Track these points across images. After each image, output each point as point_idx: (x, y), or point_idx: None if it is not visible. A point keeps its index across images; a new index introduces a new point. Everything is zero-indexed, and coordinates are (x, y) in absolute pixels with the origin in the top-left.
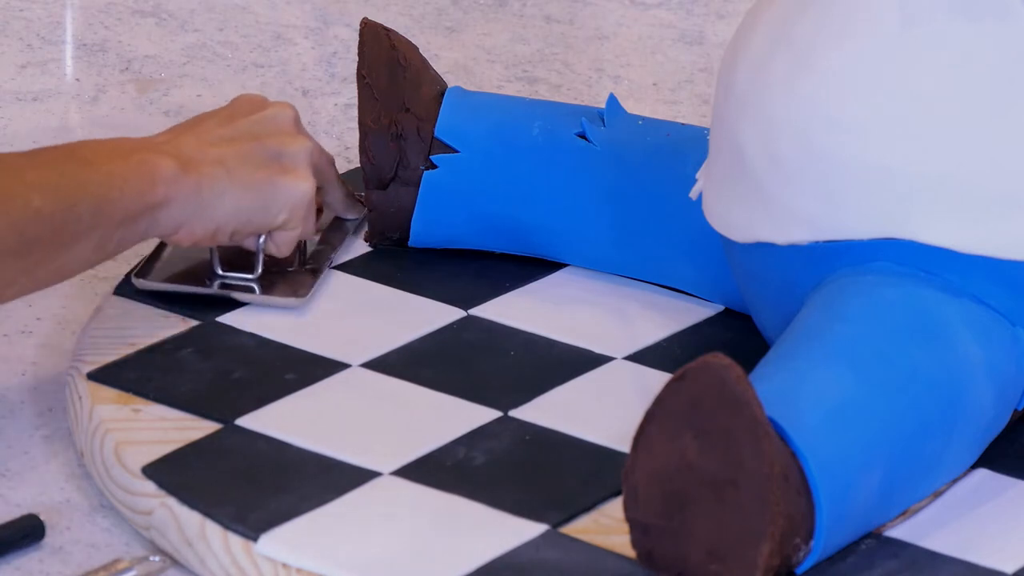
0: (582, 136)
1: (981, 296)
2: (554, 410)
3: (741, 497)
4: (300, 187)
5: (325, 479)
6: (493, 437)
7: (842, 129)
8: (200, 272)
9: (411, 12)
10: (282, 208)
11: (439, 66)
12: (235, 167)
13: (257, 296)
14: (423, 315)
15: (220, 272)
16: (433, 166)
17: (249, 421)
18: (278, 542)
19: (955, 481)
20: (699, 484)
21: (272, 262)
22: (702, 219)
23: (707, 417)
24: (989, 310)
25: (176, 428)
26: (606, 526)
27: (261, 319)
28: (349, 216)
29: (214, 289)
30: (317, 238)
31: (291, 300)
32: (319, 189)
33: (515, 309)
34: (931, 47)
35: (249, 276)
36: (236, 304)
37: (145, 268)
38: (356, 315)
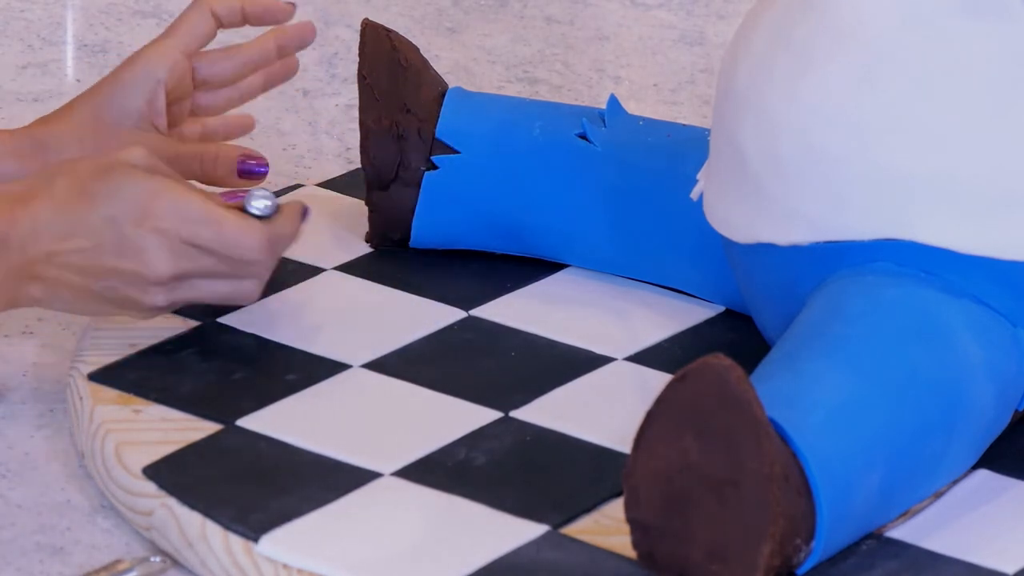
0: (583, 137)
1: (982, 297)
2: (555, 411)
3: (742, 497)
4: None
5: (326, 480)
6: (494, 438)
7: (842, 129)
8: None
9: (412, 13)
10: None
11: (440, 67)
12: (67, 300)
13: None
14: (424, 316)
15: None
16: (434, 167)
17: (250, 422)
18: (279, 543)
19: (956, 482)
20: (700, 485)
21: None
22: (703, 220)
23: (708, 418)
24: (990, 311)
25: (177, 429)
26: (607, 527)
27: (262, 320)
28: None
29: None
30: None
31: None
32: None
33: (516, 310)
34: (931, 47)
35: None
36: (238, 304)
37: None
38: (357, 316)
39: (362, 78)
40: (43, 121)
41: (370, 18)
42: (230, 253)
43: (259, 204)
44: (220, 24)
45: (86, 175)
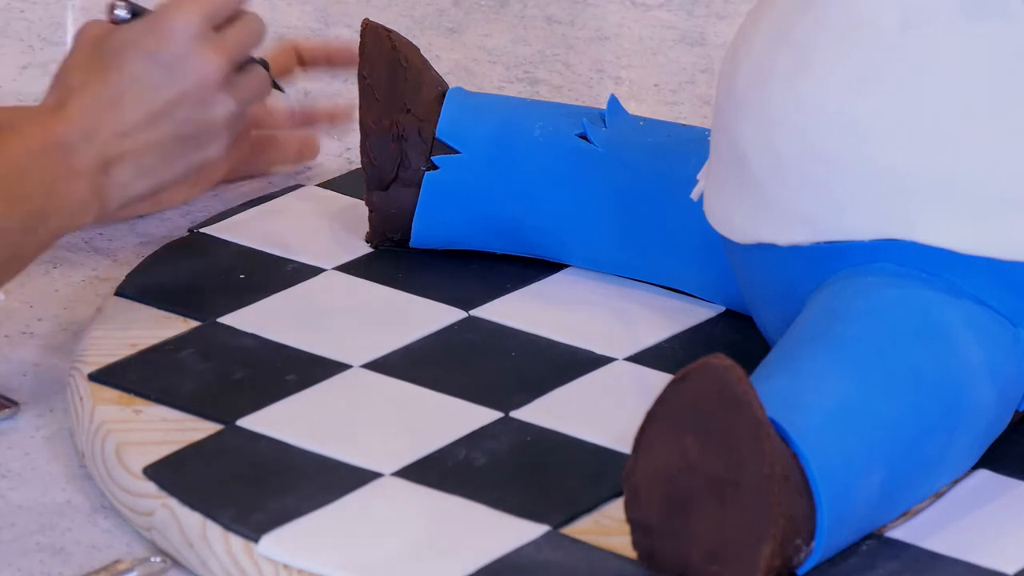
0: (583, 137)
1: (982, 297)
2: (555, 411)
3: (742, 498)
4: (214, 158)
5: (326, 480)
6: (494, 438)
7: (842, 129)
8: None
9: (412, 13)
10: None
11: (440, 67)
12: (150, 168)
13: None
14: (424, 316)
15: None
16: (434, 167)
17: (250, 422)
18: (279, 543)
19: (956, 482)
20: (700, 485)
21: None
22: (703, 220)
23: (708, 418)
24: (990, 311)
25: (177, 429)
26: (607, 527)
27: (262, 320)
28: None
29: None
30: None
31: None
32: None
33: (516, 310)
34: (931, 47)
35: None
36: (238, 304)
37: None
38: (357, 316)
39: (362, 78)
40: None
41: (370, 18)
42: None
43: (119, 12)
44: (303, 62)
45: (88, 57)
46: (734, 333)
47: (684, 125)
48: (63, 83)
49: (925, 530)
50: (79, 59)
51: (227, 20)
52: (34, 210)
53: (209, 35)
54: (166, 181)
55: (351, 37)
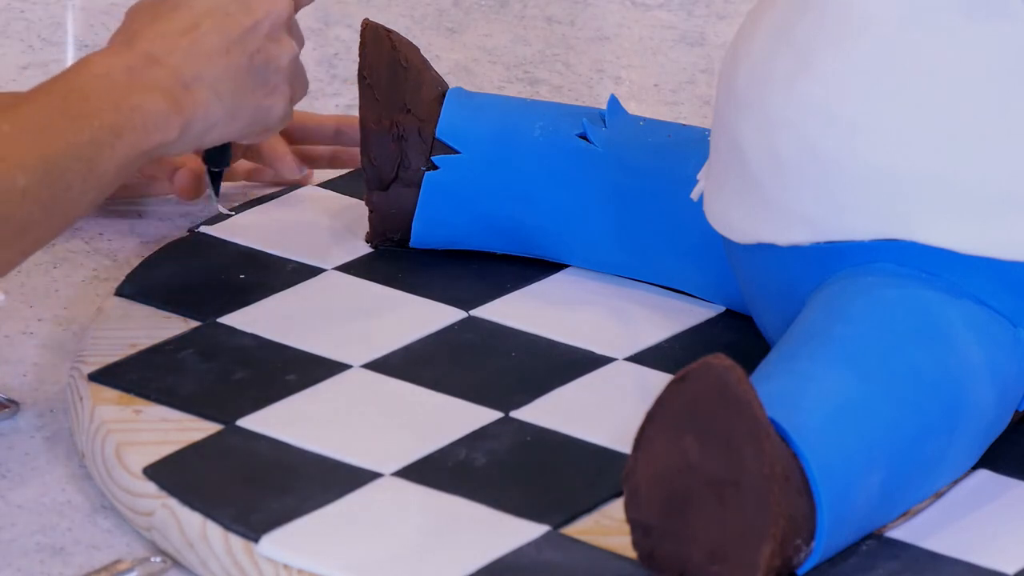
0: (583, 137)
1: (982, 297)
2: (555, 411)
3: (742, 498)
4: (278, 110)
5: (326, 480)
6: (494, 438)
7: (842, 129)
8: None
9: (412, 13)
10: (261, 130)
11: (440, 67)
12: (225, 93)
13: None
14: (424, 316)
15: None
16: (434, 167)
17: (250, 422)
18: (279, 543)
19: (956, 482)
20: (700, 485)
21: None
22: (703, 220)
23: (708, 418)
24: (990, 311)
25: (177, 429)
26: (607, 527)
27: (262, 320)
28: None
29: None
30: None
31: None
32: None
33: (516, 310)
34: (931, 47)
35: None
36: (238, 304)
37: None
38: (357, 316)
39: (362, 78)
40: None
41: (370, 18)
42: None
43: None
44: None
45: (151, 5)
46: (734, 333)
47: (684, 125)
48: (127, 28)
49: (925, 530)
50: (141, 10)
51: None
52: (104, 124)
53: None
54: (239, 114)
55: (351, 37)
